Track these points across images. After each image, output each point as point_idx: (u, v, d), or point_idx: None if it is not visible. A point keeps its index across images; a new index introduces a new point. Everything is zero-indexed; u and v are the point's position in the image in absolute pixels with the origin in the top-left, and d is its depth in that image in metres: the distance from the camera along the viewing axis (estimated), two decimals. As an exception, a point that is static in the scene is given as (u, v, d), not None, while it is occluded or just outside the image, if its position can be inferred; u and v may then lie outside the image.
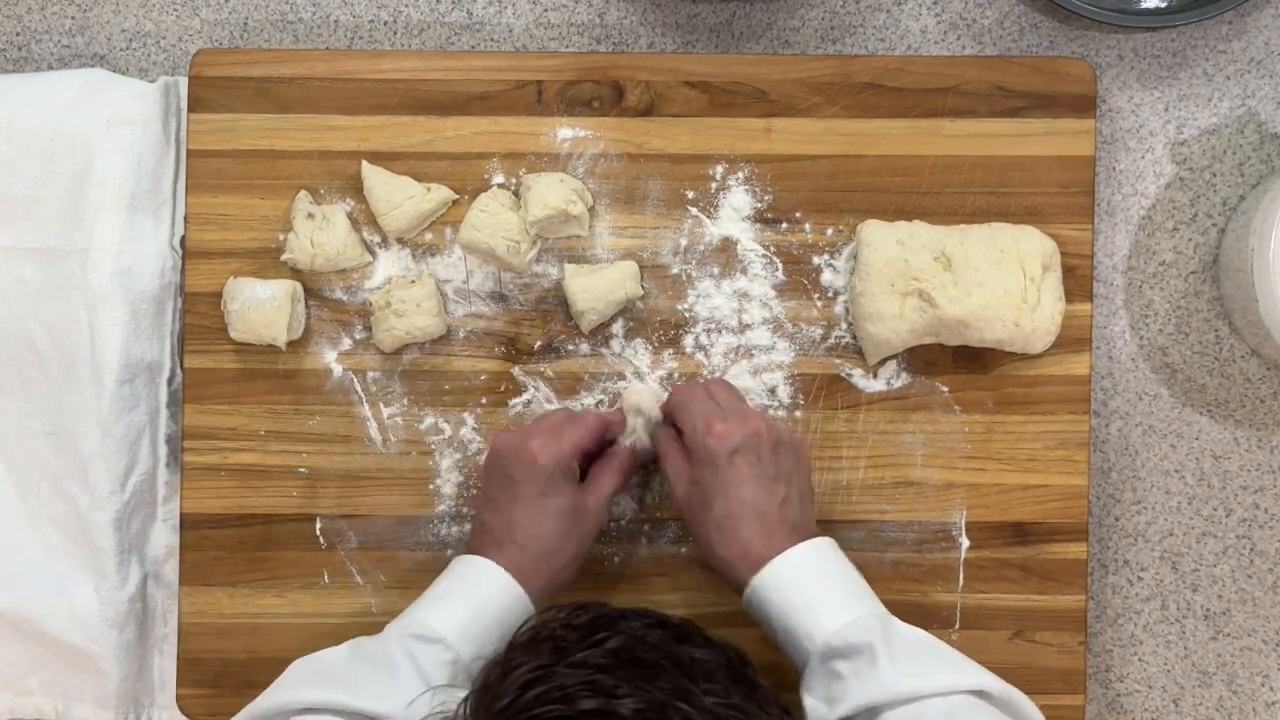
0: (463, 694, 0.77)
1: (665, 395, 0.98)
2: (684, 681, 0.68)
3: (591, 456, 0.95)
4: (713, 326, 1.01)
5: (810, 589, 0.86)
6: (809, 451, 0.94)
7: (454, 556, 0.92)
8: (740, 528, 0.87)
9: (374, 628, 0.90)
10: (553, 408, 1.00)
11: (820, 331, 1.01)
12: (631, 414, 0.97)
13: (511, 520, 0.90)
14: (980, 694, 0.82)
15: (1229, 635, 1.04)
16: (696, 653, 0.71)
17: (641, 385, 1.00)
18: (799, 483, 0.90)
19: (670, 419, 0.94)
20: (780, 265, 1.01)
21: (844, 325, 1.01)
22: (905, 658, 0.82)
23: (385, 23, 1.05)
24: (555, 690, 0.67)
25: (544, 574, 0.89)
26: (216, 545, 1.01)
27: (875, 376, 1.01)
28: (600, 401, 1.01)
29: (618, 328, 1.01)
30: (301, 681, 0.86)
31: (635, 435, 0.96)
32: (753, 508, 0.87)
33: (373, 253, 1.01)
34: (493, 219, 0.98)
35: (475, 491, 1.01)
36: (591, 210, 1.01)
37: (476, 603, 0.87)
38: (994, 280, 0.96)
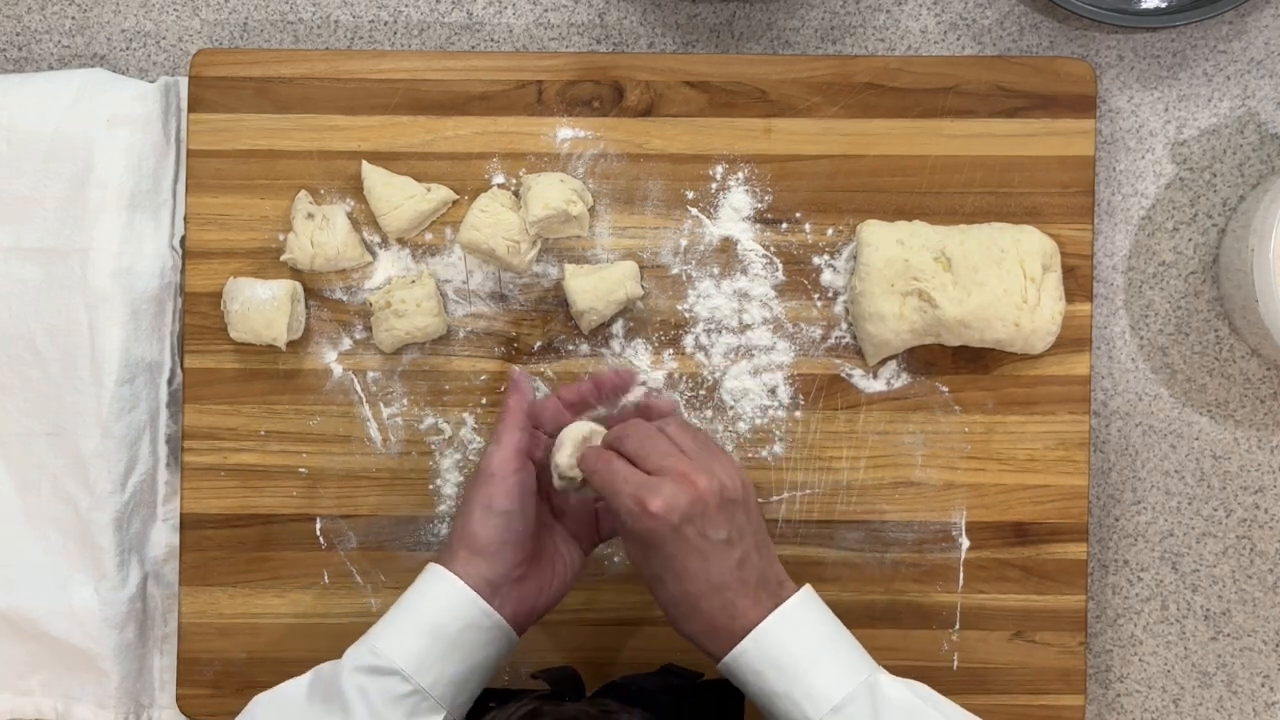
0: None
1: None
2: None
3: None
4: (713, 327, 1.01)
5: (785, 669, 0.80)
6: (752, 487, 0.84)
7: None
8: (699, 604, 0.81)
9: (374, 628, 0.90)
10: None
11: (820, 331, 1.01)
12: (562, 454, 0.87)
13: (460, 526, 0.87)
14: None
15: (1229, 635, 1.04)
16: None
17: (575, 434, 0.88)
18: (753, 532, 0.82)
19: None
20: (780, 265, 1.01)
21: (844, 325, 1.01)
22: None
23: (385, 23, 1.05)
24: None
25: (484, 574, 0.85)
26: (216, 545, 1.01)
27: (875, 377, 1.01)
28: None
29: (618, 328, 1.01)
30: None
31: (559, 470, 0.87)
32: (707, 583, 0.80)
33: (373, 253, 1.01)
34: (493, 219, 0.98)
35: None
36: (591, 210, 1.01)
37: (431, 622, 0.84)
38: (994, 280, 0.96)
